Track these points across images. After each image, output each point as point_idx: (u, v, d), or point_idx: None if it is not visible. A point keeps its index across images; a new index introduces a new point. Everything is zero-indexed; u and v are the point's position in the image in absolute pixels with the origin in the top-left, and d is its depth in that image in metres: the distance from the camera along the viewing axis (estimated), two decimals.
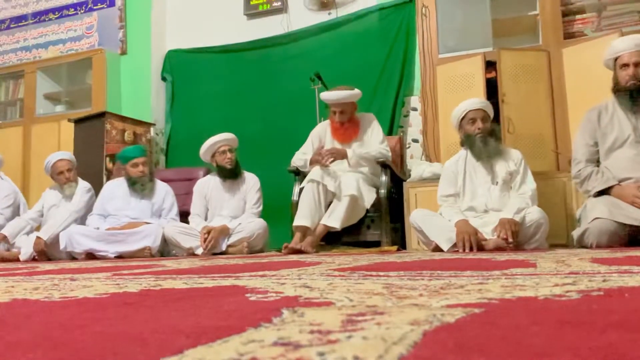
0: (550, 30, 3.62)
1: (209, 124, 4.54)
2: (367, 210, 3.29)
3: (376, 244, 3.27)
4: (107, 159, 4.45)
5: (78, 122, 4.65)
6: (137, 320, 0.63)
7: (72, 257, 3.51)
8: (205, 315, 0.66)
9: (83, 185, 3.92)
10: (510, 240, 2.53)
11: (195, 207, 3.70)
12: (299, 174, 3.52)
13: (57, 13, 5.74)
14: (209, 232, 3.38)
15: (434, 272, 1.19)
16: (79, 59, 5.31)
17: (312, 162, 3.38)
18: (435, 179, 3.20)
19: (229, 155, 3.62)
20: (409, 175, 3.68)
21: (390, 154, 3.46)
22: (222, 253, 3.42)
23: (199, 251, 3.39)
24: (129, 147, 3.92)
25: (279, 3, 4.92)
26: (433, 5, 3.95)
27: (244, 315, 0.64)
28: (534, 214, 2.65)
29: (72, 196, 3.85)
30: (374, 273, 1.24)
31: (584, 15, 3.68)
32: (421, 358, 0.40)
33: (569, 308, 0.62)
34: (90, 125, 4.56)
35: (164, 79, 5.31)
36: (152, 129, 5.03)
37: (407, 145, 4.30)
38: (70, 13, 5.68)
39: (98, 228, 3.57)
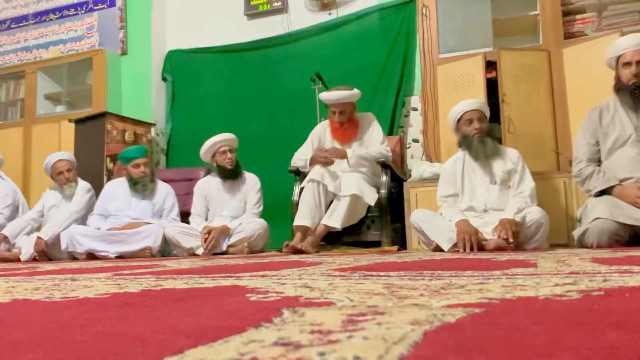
0: (551, 30, 3.61)
1: (210, 124, 4.55)
2: (368, 211, 3.29)
3: (377, 244, 3.27)
4: (108, 159, 4.45)
5: (78, 122, 4.66)
6: (138, 321, 0.63)
7: (73, 257, 3.51)
8: (206, 315, 0.66)
9: (83, 185, 3.92)
10: (511, 240, 2.53)
11: (196, 208, 3.70)
12: (299, 174, 3.52)
13: (57, 13, 5.75)
14: (209, 232, 3.38)
15: (435, 272, 1.19)
16: (80, 59, 5.31)
17: (313, 162, 3.38)
18: (435, 179, 3.21)
19: (229, 155, 3.62)
20: (410, 175, 3.68)
21: (390, 154, 3.46)
22: (222, 253, 3.42)
23: (200, 251, 3.39)
24: (131, 148, 3.93)
25: (279, 3, 4.92)
26: (433, 5, 3.95)
27: (245, 316, 0.64)
28: (534, 213, 2.65)
29: (72, 196, 3.85)
30: (374, 273, 1.24)
31: (585, 15, 3.67)
32: (422, 358, 0.40)
33: (570, 308, 0.62)
34: (90, 126, 4.56)
35: (164, 79, 5.31)
36: (152, 129, 5.04)
37: (408, 145, 4.30)
38: (70, 13, 5.68)
39: (99, 228, 3.57)
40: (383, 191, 3.29)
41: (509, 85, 3.48)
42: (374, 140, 3.49)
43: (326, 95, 3.43)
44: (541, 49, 3.61)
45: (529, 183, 2.79)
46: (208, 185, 3.74)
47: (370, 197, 3.22)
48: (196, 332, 0.53)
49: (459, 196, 2.91)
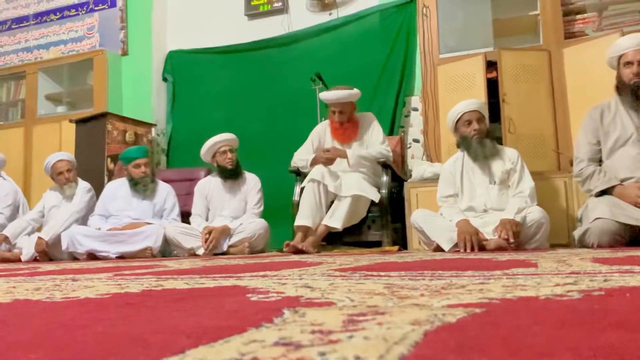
0: (551, 30, 3.61)
1: (210, 124, 4.55)
2: (368, 211, 3.29)
3: (377, 244, 3.27)
4: (109, 159, 4.46)
5: (79, 122, 4.66)
6: (139, 321, 0.64)
7: (74, 258, 3.52)
8: (207, 315, 0.66)
9: (83, 185, 3.92)
10: (512, 240, 2.53)
11: (196, 208, 3.70)
12: (300, 174, 3.52)
13: (58, 14, 5.75)
14: (210, 233, 3.38)
15: (435, 272, 1.19)
16: (80, 60, 5.31)
17: (314, 163, 3.38)
18: (436, 179, 3.21)
19: (229, 155, 3.62)
20: (410, 176, 3.68)
21: (391, 154, 3.46)
22: (223, 253, 3.42)
23: (200, 251, 3.39)
24: (132, 148, 3.93)
25: (280, 3, 4.92)
26: (434, 5, 3.95)
27: (245, 316, 0.64)
28: (535, 213, 2.65)
29: (73, 197, 3.85)
30: (375, 273, 1.24)
31: (585, 15, 3.67)
32: (422, 358, 0.40)
33: (570, 308, 0.62)
34: (91, 126, 4.57)
35: (165, 79, 5.31)
36: (153, 130, 5.04)
37: (408, 146, 4.30)
38: (71, 14, 5.68)
39: (99, 228, 3.57)
40: (384, 191, 3.29)
41: (509, 85, 3.48)
42: (374, 140, 3.49)
43: (326, 95, 3.43)
44: (541, 49, 3.61)
45: (528, 182, 2.79)
46: (208, 186, 3.74)
47: (373, 194, 3.22)
48: (197, 332, 0.53)
49: (459, 196, 2.92)
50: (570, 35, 3.63)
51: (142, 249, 3.43)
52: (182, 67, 5.24)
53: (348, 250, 3.19)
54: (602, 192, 2.61)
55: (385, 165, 3.37)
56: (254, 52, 4.96)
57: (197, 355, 0.42)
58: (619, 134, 2.65)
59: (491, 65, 3.59)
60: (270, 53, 4.89)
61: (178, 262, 2.51)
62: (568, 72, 3.47)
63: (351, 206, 3.16)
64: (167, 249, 3.58)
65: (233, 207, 3.65)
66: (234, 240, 3.45)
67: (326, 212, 3.23)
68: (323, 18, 4.76)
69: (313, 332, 0.50)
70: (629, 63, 2.62)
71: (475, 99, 3.11)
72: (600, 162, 2.73)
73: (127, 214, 3.69)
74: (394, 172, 3.49)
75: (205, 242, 3.36)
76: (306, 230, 3.16)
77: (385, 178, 3.35)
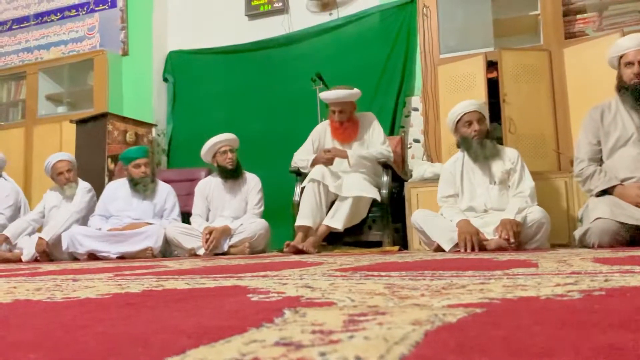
0: (552, 30, 3.61)
1: (211, 124, 4.55)
2: (369, 211, 3.29)
3: (378, 244, 3.27)
4: (109, 159, 4.46)
5: (80, 123, 4.66)
6: (139, 321, 0.64)
7: (74, 258, 3.52)
8: (207, 315, 0.66)
9: (83, 185, 3.92)
10: (512, 240, 2.53)
11: (197, 208, 3.70)
12: (300, 175, 3.52)
13: (58, 14, 5.76)
14: (210, 233, 3.38)
15: (436, 272, 1.19)
16: (81, 60, 5.32)
17: (315, 163, 3.38)
18: (436, 179, 3.21)
19: (230, 155, 3.62)
20: (411, 176, 3.68)
21: (391, 154, 3.46)
22: (223, 253, 3.42)
23: (201, 252, 3.39)
24: (132, 148, 3.93)
25: (280, 4, 4.92)
26: (434, 5, 3.95)
27: (246, 316, 0.64)
28: (535, 213, 2.65)
29: (73, 197, 3.86)
30: (375, 273, 1.24)
31: (585, 15, 3.67)
32: (423, 358, 0.40)
33: (571, 308, 0.62)
34: (92, 126, 4.57)
35: (165, 79, 5.32)
36: (153, 130, 5.04)
37: (409, 146, 4.30)
38: (71, 14, 5.69)
39: (100, 229, 3.57)
40: (384, 191, 3.29)
41: (509, 85, 3.48)
42: (374, 140, 3.49)
43: (326, 94, 3.44)
44: (542, 48, 3.61)
45: (528, 182, 2.79)
46: (209, 186, 3.75)
47: (374, 194, 3.22)
48: (197, 332, 0.53)
49: (459, 196, 2.92)
50: (571, 35, 3.63)
51: (142, 249, 3.43)
52: (182, 67, 5.25)
53: (348, 251, 3.19)
54: (603, 192, 2.61)
55: (385, 166, 3.37)
56: (255, 53, 4.96)
57: (197, 356, 0.42)
58: (619, 134, 2.65)
59: (491, 65, 3.59)
60: (271, 53, 4.89)
61: (178, 262, 2.51)
62: (568, 72, 3.47)
63: (352, 207, 3.16)
64: (168, 249, 3.58)
65: (233, 208, 3.65)
66: (234, 240, 3.45)
67: (326, 212, 3.23)
68: (323, 18, 4.76)
69: (314, 332, 0.50)
70: (629, 63, 2.62)
71: (476, 99, 3.11)
72: (600, 162, 2.73)
73: (128, 214, 3.69)
74: (395, 172, 3.49)
75: (206, 242, 3.37)
76: (307, 231, 3.16)
77: (385, 178, 3.35)
